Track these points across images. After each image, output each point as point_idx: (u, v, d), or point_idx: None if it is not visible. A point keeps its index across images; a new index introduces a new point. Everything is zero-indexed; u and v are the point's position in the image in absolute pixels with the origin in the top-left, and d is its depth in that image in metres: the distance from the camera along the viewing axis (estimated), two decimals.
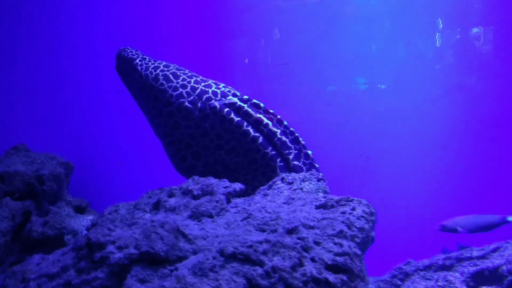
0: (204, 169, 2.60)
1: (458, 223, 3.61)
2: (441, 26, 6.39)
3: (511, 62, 5.22)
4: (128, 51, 2.80)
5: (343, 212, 1.47)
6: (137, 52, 2.81)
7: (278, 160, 2.50)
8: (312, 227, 1.39)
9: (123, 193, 3.47)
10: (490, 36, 6.17)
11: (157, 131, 2.73)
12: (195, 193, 1.89)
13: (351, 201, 1.54)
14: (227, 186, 1.99)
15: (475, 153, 4.55)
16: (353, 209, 1.49)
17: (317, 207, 1.56)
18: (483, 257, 2.58)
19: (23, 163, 2.47)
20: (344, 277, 1.26)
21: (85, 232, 2.35)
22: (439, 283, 2.42)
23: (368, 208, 1.51)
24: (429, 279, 2.58)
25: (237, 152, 2.56)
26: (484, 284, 2.47)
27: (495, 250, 2.63)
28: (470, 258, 2.61)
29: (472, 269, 2.51)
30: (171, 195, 1.99)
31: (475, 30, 6.70)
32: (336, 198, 1.58)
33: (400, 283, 2.78)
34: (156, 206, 2.01)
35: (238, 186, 1.99)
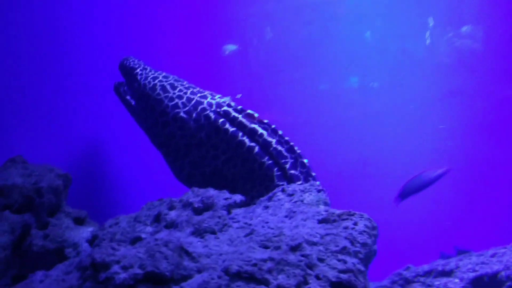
0: (202, 179, 2.61)
1: (409, 187, 3.66)
2: (431, 24, 6.42)
3: (501, 60, 5.26)
4: (131, 60, 2.83)
5: (346, 227, 1.49)
6: (139, 62, 2.83)
7: (275, 169, 2.52)
8: (315, 244, 1.40)
9: (121, 204, 3.46)
10: (480, 34, 6.22)
11: (153, 141, 2.74)
12: (196, 206, 1.89)
13: (353, 215, 1.56)
14: (228, 198, 1.99)
15: (474, 155, 4.58)
16: (355, 223, 1.51)
17: (319, 222, 1.57)
18: (481, 262, 2.62)
19: (21, 176, 2.45)
20: None
21: (86, 244, 2.34)
22: None
23: (370, 222, 1.52)
24: (429, 285, 2.61)
25: (234, 163, 2.57)
26: None
27: (493, 255, 2.66)
28: (469, 264, 2.63)
29: (472, 275, 2.54)
30: (171, 208, 1.99)
31: (464, 28, 6.75)
32: (338, 212, 1.59)
33: None
34: (157, 219, 2.01)
35: (238, 197, 2.00)
